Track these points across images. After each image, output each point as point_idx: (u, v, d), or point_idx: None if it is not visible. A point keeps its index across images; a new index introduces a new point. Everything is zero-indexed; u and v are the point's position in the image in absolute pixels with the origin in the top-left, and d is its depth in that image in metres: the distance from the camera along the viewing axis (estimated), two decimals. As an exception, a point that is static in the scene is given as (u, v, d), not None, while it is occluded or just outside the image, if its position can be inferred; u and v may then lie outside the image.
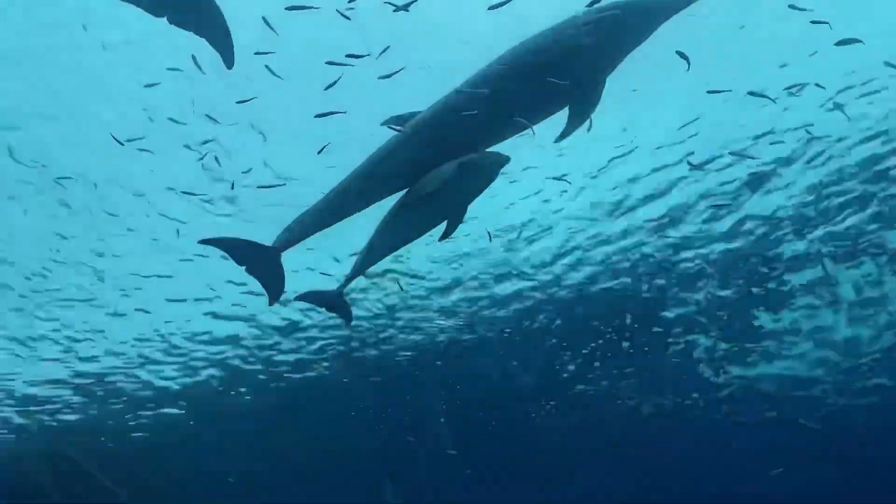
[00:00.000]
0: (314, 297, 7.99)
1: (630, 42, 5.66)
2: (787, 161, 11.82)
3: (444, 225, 6.93)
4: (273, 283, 7.07)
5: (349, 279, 7.42)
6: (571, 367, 18.54)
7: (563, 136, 6.08)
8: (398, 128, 6.31)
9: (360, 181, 6.69)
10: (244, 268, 6.97)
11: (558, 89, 5.62)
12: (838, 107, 10.15)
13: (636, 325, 16.79)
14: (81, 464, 20.47)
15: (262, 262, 6.92)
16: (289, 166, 10.69)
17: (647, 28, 5.59)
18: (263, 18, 7.22)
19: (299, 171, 10.54)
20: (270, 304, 7.23)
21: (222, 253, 7.09)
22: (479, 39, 7.31)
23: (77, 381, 17.16)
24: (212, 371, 17.55)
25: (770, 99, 9.11)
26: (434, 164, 6.29)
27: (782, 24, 8.89)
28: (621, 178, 12.01)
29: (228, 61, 5.70)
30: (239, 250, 6.90)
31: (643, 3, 5.46)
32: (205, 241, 6.81)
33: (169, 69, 8.56)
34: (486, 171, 6.44)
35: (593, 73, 5.73)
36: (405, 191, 6.75)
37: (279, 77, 7.62)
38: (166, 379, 17.64)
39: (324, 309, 8.25)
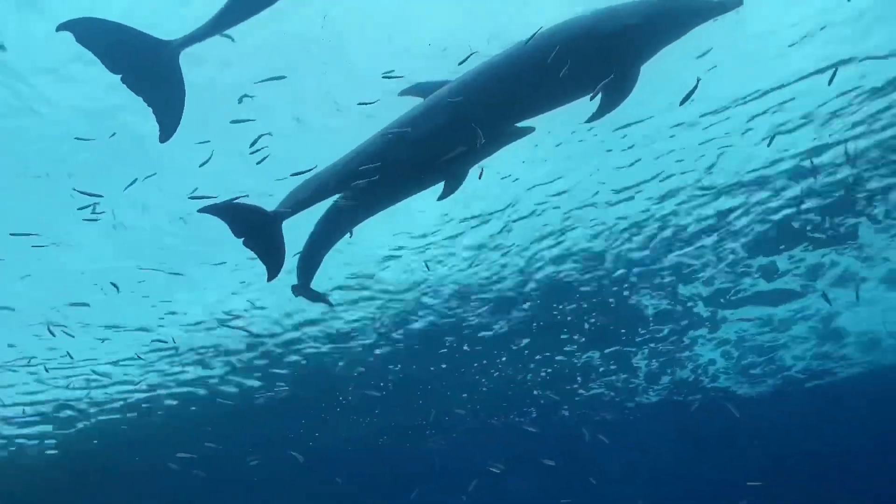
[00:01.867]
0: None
1: (671, 35, 5.81)
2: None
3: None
4: (273, 256, 6.57)
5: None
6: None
7: (592, 119, 6.09)
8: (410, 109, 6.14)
9: (366, 157, 6.44)
10: (242, 240, 6.47)
11: (595, 72, 5.72)
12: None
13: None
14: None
15: (262, 231, 6.45)
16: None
17: (687, 25, 5.79)
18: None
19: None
20: (270, 279, 6.64)
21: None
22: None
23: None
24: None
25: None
26: (446, 146, 6.08)
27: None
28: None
29: (164, 135, 5.32)
30: (239, 216, 6.39)
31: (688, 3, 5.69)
32: (203, 210, 6.30)
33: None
34: (512, 137, 6.34)
35: (632, 60, 5.68)
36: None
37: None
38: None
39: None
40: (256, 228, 6.38)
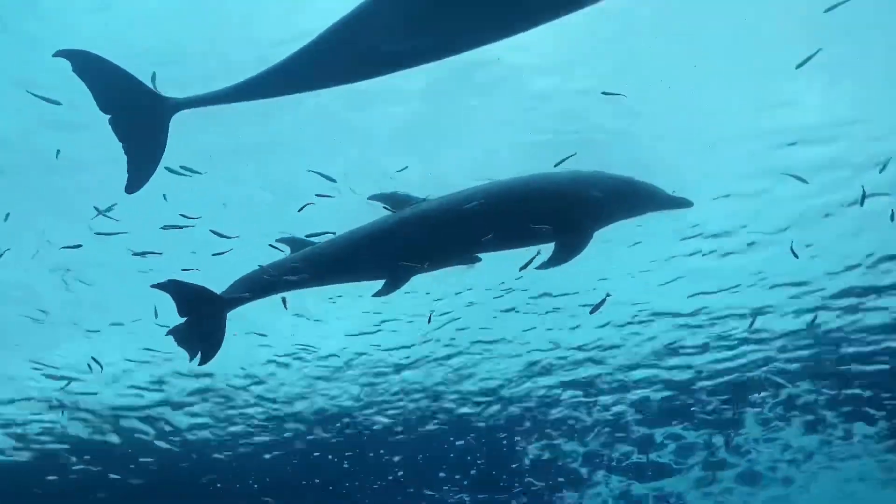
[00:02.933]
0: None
1: (627, 213, 6.43)
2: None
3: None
4: (211, 343, 6.52)
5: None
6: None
7: (544, 266, 6.40)
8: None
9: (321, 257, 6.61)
10: (185, 319, 6.41)
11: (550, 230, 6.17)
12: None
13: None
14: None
15: (207, 314, 6.41)
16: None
17: (643, 209, 6.47)
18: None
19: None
20: (202, 363, 6.50)
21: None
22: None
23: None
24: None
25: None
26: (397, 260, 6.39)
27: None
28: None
29: (131, 187, 5.37)
30: (187, 297, 6.37)
31: (647, 190, 6.38)
32: (155, 286, 6.27)
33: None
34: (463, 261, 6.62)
35: (589, 224, 6.25)
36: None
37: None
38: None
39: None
40: (203, 311, 6.37)
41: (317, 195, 7.49)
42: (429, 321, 11.59)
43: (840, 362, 13.54)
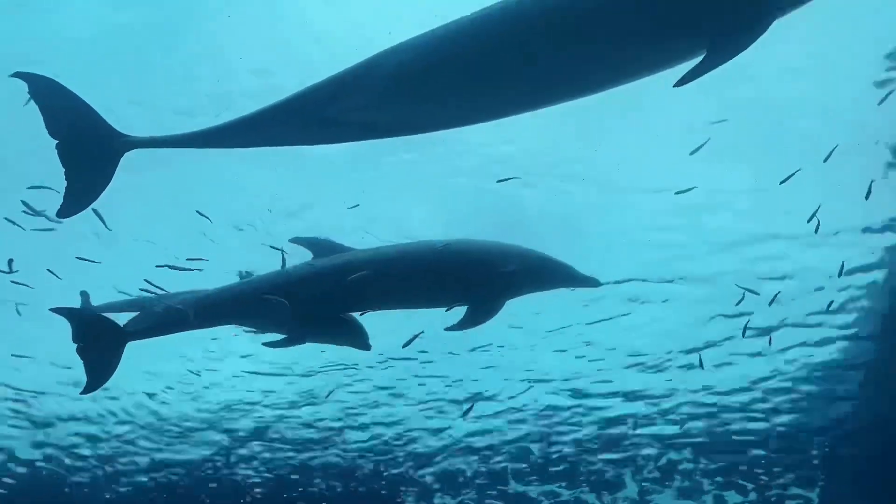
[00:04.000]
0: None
1: (539, 287, 6.85)
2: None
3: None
4: (100, 374, 6.40)
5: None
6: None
7: (452, 328, 6.65)
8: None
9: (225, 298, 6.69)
10: (78, 346, 6.30)
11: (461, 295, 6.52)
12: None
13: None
14: None
15: (103, 344, 6.33)
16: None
17: (554, 284, 6.92)
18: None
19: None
20: (85, 392, 6.37)
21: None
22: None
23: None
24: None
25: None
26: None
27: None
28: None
29: (64, 212, 5.38)
30: (85, 325, 6.34)
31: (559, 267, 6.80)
32: (54, 310, 6.25)
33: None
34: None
35: (499, 293, 6.62)
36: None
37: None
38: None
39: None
40: (99, 341, 6.30)
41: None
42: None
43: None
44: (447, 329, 6.70)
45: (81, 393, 6.49)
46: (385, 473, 16.40)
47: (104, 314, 6.61)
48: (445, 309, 6.75)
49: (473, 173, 9.57)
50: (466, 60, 4.48)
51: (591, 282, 6.88)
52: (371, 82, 4.73)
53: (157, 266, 7.39)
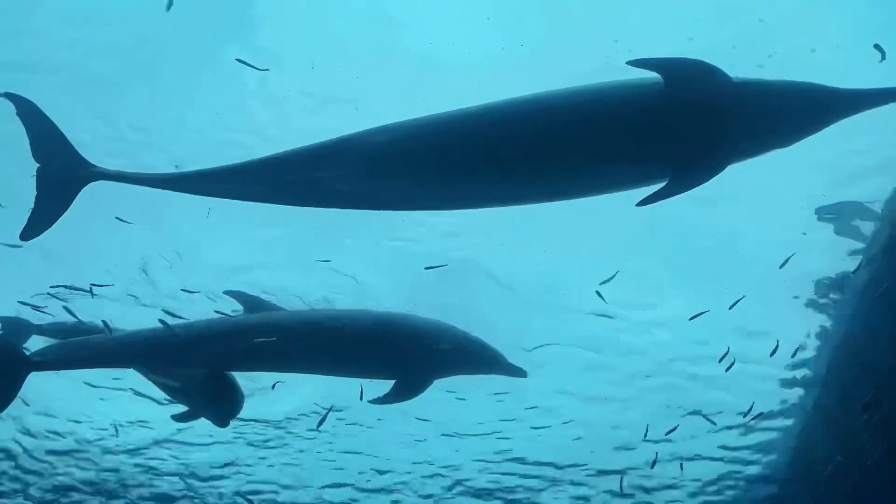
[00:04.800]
0: None
1: (467, 370, 7.07)
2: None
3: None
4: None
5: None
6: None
7: (379, 401, 6.69)
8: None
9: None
10: None
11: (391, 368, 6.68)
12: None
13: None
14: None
15: (4, 372, 6.16)
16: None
17: (481, 370, 7.11)
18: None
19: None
20: None
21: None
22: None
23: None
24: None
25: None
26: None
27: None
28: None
29: (26, 235, 5.43)
30: None
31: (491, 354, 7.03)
32: None
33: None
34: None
35: (432, 370, 6.79)
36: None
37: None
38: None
39: None
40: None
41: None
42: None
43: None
44: (372, 402, 6.77)
45: None
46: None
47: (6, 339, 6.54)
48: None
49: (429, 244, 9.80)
50: (445, 152, 4.69)
51: (518, 372, 7.08)
52: (350, 156, 4.89)
53: (52, 287, 7.39)
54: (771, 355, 8.39)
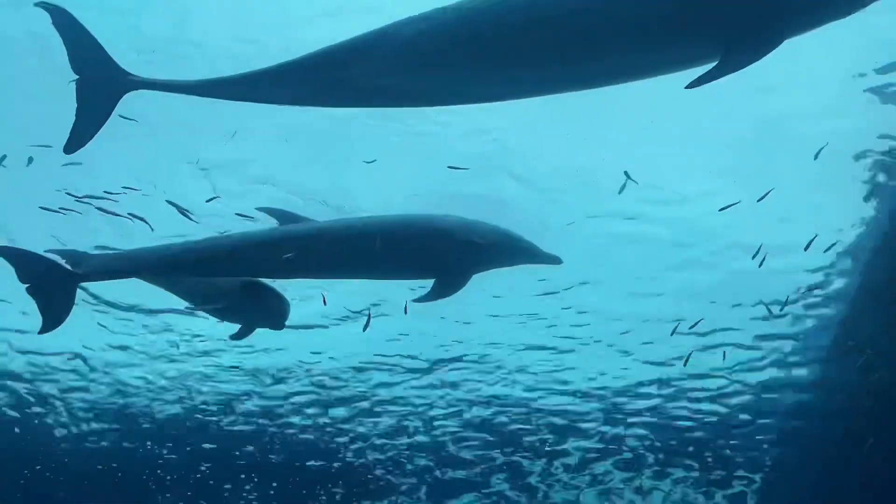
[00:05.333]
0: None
1: (503, 263, 7.00)
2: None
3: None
4: (54, 313, 6.34)
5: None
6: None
7: (421, 300, 6.76)
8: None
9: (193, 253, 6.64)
10: (26, 286, 6.23)
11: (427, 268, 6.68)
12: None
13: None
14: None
15: (54, 286, 6.28)
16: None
17: (518, 260, 7.05)
18: None
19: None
20: (42, 332, 6.34)
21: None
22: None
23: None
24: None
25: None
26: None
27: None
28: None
29: (68, 149, 5.43)
30: (28, 265, 6.23)
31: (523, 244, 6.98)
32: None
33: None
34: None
35: (467, 268, 6.77)
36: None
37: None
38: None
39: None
40: (46, 282, 6.25)
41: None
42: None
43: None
44: (414, 301, 6.86)
45: (39, 332, 6.43)
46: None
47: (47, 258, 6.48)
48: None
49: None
50: (485, 37, 4.51)
51: (553, 259, 7.05)
52: (388, 49, 4.76)
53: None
54: (805, 249, 8.14)
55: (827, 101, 8.83)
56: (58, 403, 15.00)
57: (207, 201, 8.51)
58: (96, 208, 7.71)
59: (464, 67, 4.71)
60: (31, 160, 7.88)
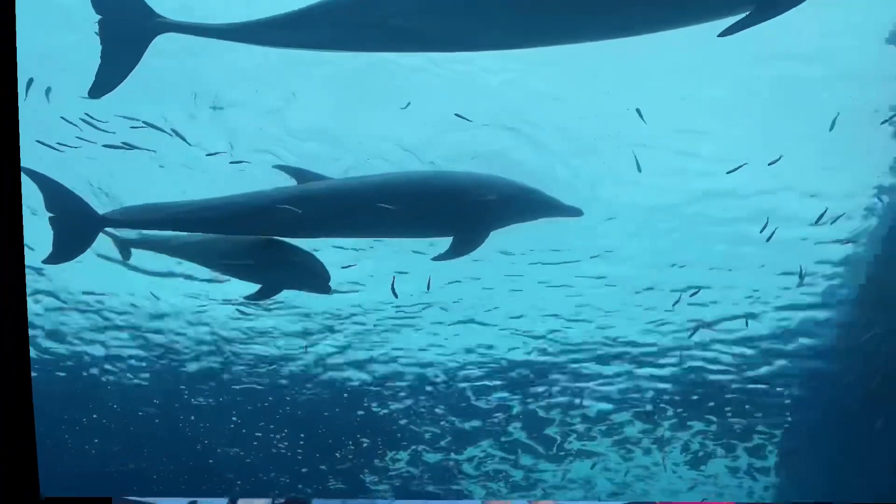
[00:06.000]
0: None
1: (521, 218, 7.09)
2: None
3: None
4: (68, 250, 6.61)
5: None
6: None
7: (439, 258, 6.92)
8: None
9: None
10: (50, 215, 6.43)
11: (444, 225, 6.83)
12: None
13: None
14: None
15: (77, 224, 6.50)
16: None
17: (536, 214, 7.13)
18: None
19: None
20: (48, 261, 6.54)
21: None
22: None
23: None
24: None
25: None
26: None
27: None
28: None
29: (95, 92, 5.59)
30: (58, 197, 6.41)
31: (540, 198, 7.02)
32: (27, 171, 6.26)
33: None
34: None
35: (484, 225, 6.89)
36: None
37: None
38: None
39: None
40: (71, 217, 6.47)
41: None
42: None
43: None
44: (434, 259, 6.98)
45: (43, 261, 6.61)
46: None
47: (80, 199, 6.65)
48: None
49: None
50: None
51: (573, 211, 7.10)
52: None
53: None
54: (816, 222, 8.14)
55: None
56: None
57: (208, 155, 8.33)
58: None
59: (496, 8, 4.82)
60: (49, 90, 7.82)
